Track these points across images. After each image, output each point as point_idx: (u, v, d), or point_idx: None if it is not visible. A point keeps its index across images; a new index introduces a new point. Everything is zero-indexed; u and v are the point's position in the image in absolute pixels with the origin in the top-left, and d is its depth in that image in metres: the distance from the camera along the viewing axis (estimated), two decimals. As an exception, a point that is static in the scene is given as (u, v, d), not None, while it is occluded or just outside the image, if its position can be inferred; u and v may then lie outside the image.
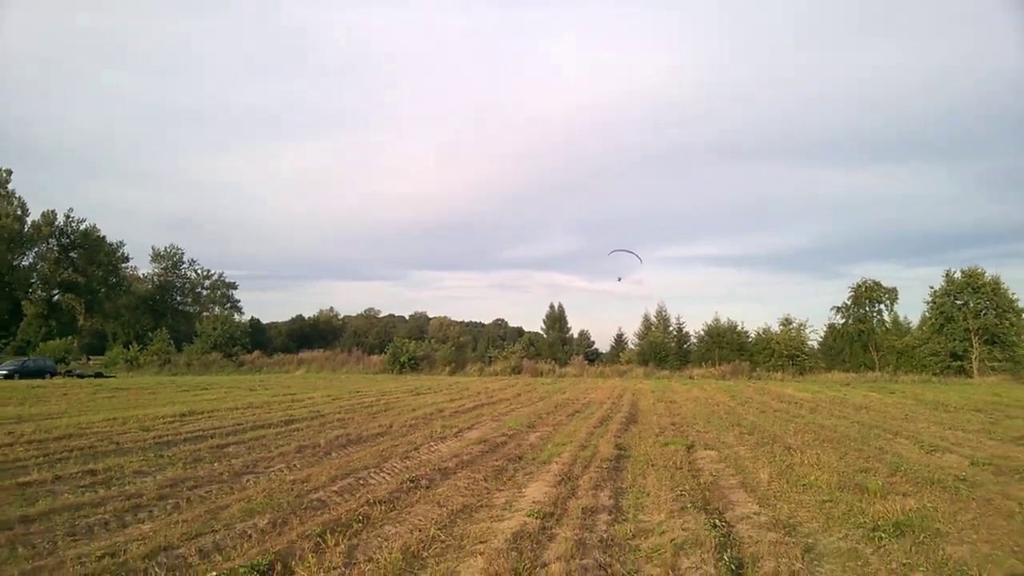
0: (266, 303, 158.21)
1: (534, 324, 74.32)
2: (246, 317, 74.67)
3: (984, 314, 40.50)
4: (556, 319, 66.32)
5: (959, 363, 40.59)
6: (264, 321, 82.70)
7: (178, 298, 78.98)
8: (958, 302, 41.52)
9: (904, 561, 5.86)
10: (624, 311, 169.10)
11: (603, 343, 69.89)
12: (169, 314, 73.64)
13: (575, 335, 69.94)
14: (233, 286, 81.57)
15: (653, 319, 56.80)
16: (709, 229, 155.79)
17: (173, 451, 11.33)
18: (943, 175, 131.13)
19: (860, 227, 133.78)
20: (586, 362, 52.64)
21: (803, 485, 8.93)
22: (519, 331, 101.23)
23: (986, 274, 40.95)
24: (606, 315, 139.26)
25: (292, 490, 8.39)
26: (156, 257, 76.63)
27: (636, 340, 56.73)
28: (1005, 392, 28.50)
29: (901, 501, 7.90)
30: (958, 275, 41.78)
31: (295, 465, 10.33)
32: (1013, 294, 40.48)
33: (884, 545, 6.31)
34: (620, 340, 61.26)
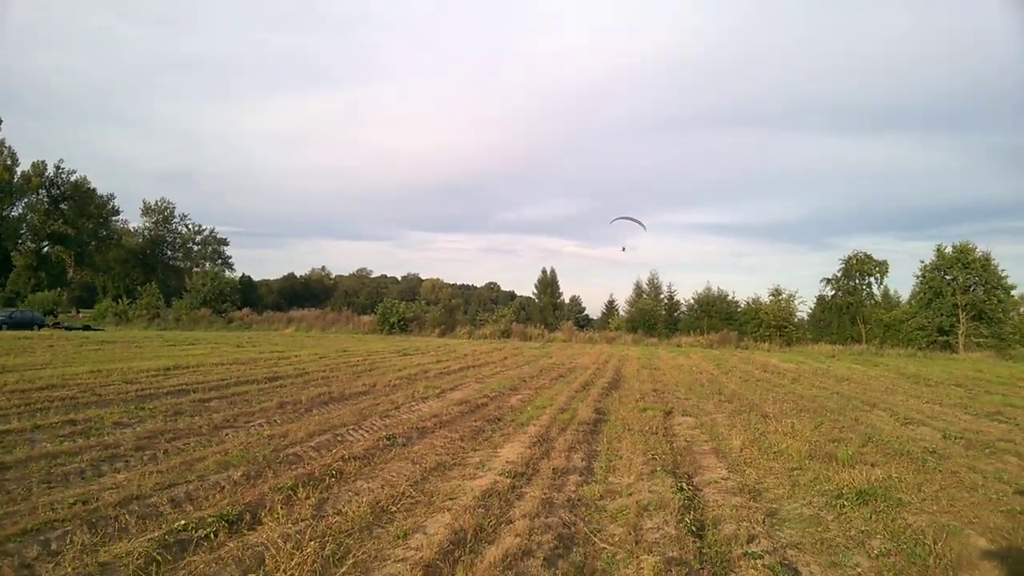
0: (258, 260, 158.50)
1: (526, 288, 74.67)
2: (237, 274, 74.62)
3: (973, 290, 40.70)
4: (548, 284, 66.25)
5: (945, 338, 40.87)
6: (255, 278, 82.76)
7: (168, 253, 78.65)
8: (947, 277, 41.63)
9: (863, 528, 5.99)
10: (616, 277, 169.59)
11: (594, 309, 70.23)
12: (159, 269, 73.42)
13: (566, 300, 70.08)
14: (224, 242, 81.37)
15: (645, 286, 56.97)
16: (705, 197, 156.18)
17: (154, 404, 11.39)
18: (945, 148, 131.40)
19: (855, 199, 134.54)
20: (576, 328, 52.77)
21: (774, 452, 9.07)
22: (511, 295, 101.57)
23: (977, 250, 41.02)
24: (598, 281, 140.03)
25: (269, 444, 8.47)
26: (147, 211, 76.21)
27: (627, 307, 56.96)
28: (987, 368, 28.77)
29: (868, 471, 8.04)
30: (949, 250, 41.84)
31: (275, 421, 10.41)
32: (1003, 271, 40.65)
33: (845, 512, 6.44)
34: (611, 306, 61.56)
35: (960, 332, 40.28)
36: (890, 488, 7.28)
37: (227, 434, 9.26)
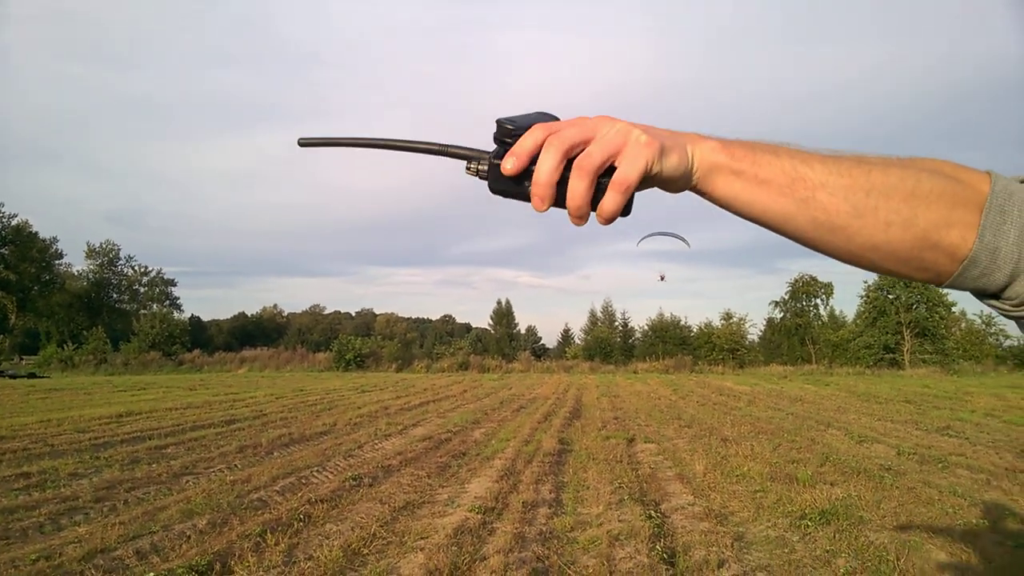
0: (208, 300, 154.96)
1: (482, 320, 74.73)
2: (186, 315, 73.10)
3: (915, 308, 42.01)
4: (503, 315, 66.43)
5: (891, 356, 42.03)
6: (205, 319, 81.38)
7: (114, 296, 76.44)
8: (890, 296, 42.94)
9: (828, 548, 6.14)
10: (571, 306, 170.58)
11: (550, 339, 70.66)
12: (105, 312, 71.32)
13: (522, 331, 70.31)
14: (172, 283, 79.36)
15: (599, 314, 57.65)
16: (653, 225, 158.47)
17: (110, 453, 11.09)
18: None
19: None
20: (533, 358, 52.86)
21: (737, 476, 9.24)
22: (467, 327, 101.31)
23: (917, 269, 42.38)
24: (553, 310, 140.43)
25: (232, 490, 8.33)
26: (91, 253, 74.15)
27: (582, 335, 57.46)
28: (934, 384, 29.65)
29: (828, 490, 8.25)
30: (891, 270, 43.15)
31: (236, 465, 10.23)
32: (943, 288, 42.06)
33: (810, 533, 6.60)
34: (567, 335, 61.96)
35: (905, 349, 41.49)
36: (851, 507, 7.48)
37: (188, 481, 9.07)
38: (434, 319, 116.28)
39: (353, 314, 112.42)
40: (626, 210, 0.80)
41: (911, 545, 6.10)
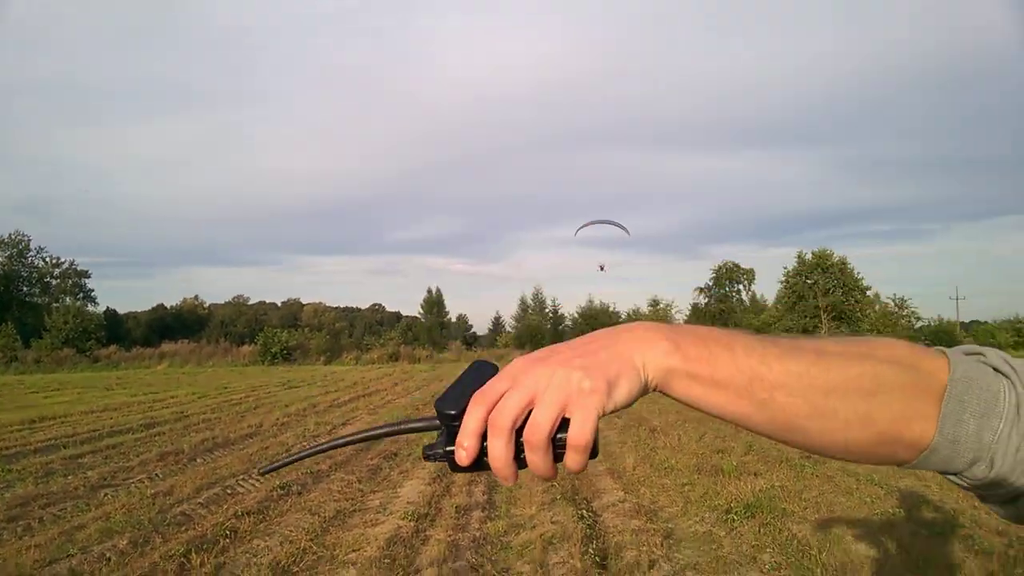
0: (124, 291, 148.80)
1: (412, 308, 74.14)
2: (101, 308, 70.25)
3: (832, 292, 43.67)
4: (434, 303, 66.02)
5: (810, 339, 43.64)
6: (121, 311, 78.07)
7: (24, 289, 72.95)
8: (809, 281, 44.57)
9: (753, 543, 6.31)
10: (503, 293, 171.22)
11: (481, 326, 70.66)
12: (15, 307, 67.88)
13: (453, 319, 70.10)
14: (86, 274, 75.94)
15: (530, 301, 57.97)
16: (584, 213, 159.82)
17: (22, 464, 10.55)
18: (800, 161, 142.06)
19: (722, 211, 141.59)
20: (464, 347, 52.96)
21: (665, 468, 9.45)
22: (397, 316, 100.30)
23: (834, 255, 44.28)
24: (483, 297, 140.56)
25: (154, 504, 8.03)
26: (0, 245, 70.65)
27: (513, 323, 57.80)
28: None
29: (752, 481, 8.50)
30: (809, 255, 44.90)
31: (157, 475, 9.88)
32: (859, 273, 43.96)
33: (736, 527, 6.78)
34: (498, 323, 62.28)
35: (823, 332, 43.06)
36: (774, 498, 7.72)
37: (106, 495, 8.70)
38: (363, 308, 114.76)
39: (279, 304, 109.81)
40: (593, 453, 0.76)
41: (832, 538, 6.32)
